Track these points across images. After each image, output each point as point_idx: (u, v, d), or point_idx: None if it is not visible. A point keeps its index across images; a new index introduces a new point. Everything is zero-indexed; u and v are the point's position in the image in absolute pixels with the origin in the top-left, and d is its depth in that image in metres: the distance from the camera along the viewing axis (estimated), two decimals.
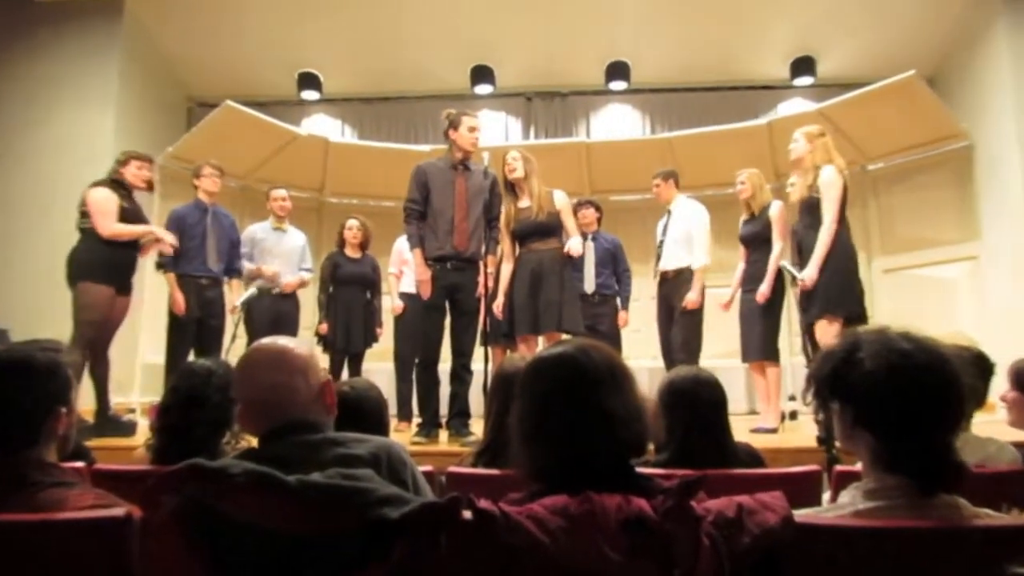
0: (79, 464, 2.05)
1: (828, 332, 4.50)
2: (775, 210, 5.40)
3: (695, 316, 5.58)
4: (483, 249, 4.80)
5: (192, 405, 2.31)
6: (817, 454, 3.20)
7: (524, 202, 5.06)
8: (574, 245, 4.97)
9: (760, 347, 5.31)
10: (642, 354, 7.07)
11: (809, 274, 4.61)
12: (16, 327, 6.30)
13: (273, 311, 5.90)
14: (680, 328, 5.56)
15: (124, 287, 5.12)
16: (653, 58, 8.87)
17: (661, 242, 5.82)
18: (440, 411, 4.87)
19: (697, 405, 2.35)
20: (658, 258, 5.82)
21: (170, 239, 5.24)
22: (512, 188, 5.11)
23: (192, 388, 2.34)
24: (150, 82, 8.34)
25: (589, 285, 6.21)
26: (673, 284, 5.66)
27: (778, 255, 5.24)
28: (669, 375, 2.49)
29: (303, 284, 6.34)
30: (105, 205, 5.00)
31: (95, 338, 4.96)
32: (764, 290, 5.24)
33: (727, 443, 2.41)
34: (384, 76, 9.17)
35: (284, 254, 6.20)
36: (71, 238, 5.08)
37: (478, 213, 4.80)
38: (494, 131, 9.19)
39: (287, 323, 5.99)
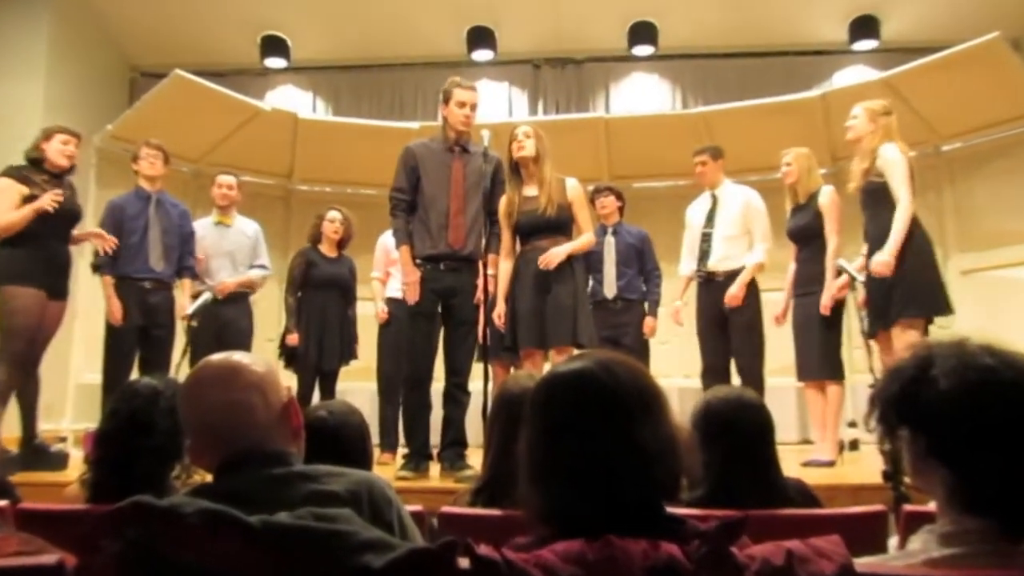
0: (0, 503, 2.05)
1: (904, 339, 4.50)
2: (825, 197, 5.37)
3: (757, 327, 5.57)
4: (483, 246, 4.81)
5: (135, 432, 2.30)
6: (882, 491, 3.19)
7: (531, 190, 4.96)
8: (553, 255, 4.84)
9: (820, 363, 5.28)
10: (672, 370, 7.06)
11: (883, 259, 4.61)
12: None
13: (215, 319, 5.79)
14: (743, 343, 5.54)
15: (57, 290, 5.13)
16: (684, 18, 8.88)
17: (706, 235, 5.79)
18: (431, 440, 4.87)
19: (738, 433, 2.35)
20: (702, 255, 5.78)
21: (49, 200, 5.04)
22: (517, 171, 5.02)
23: (135, 411, 2.34)
24: (86, 49, 8.37)
25: (610, 289, 6.21)
26: (725, 288, 5.60)
27: (834, 252, 5.23)
28: (705, 397, 2.49)
29: (250, 285, 6.28)
30: (1, 194, 4.97)
31: (26, 352, 4.96)
32: (826, 300, 5.20)
33: (774, 478, 2.41)
34: (364, 39, 9.19)
35: (228, 253, 6.18)
36: None
37: (477, 204, 4.81)
38: (495, 105, 9.21)
39: (235, 334, 5.93)
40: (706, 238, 5.78)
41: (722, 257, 5.67)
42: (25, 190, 5.03)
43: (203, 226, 6.18)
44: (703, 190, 5.99)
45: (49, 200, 4.98)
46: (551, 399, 1.47)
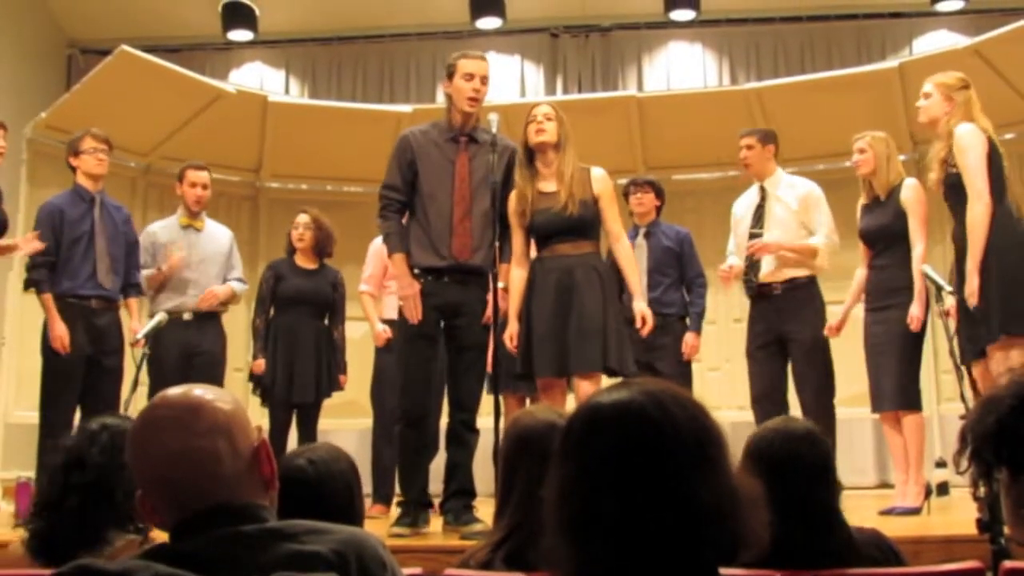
0: None
1: (1005, 363, 4.48)
2: (909, 192, 5.35)
3: (823, 349, 5.56)
4: (494, 255, 4.76)
5: (88, 476, 2.34)
6: (977, 545, 3.17)
7: (548, 184, 4.87)
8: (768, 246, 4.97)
9: (897, 390, 5.26)
10: (723, 401, 7.04)
11: (971, 287, 4.58)
12: None
13: (183, 345, 5.83)
14: (806, 369, 5.53)
15: None
16: None
17: (754, 237, 5.73)
18: (433, 487, 4.87)
19: (788, 474, 2.32)
20: (752, 263, 5.72)
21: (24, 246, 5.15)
22: (532, 159, 4.94)
23: (80, 451, 2.37)
24: (13, 21, 8.43)
25: None
26: (783, 303, 5.60)
27: (921, 258, 5.20)
28: (751, 435, 2.47)
29: (234, 299, 6.35)
30: None
31: None
32: (916, 312, 5.16)
33: (838, 529, 2.39)
34: (345, 6, 9.22)
35: (203, 262, 6.17)
36: None
37: (486, 205, 4.75)
38: (505, 83, 9.21)
39: (207, 362, 5.95)
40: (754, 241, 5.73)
41: (778, 265, 5.64)
42: None
43: (168, 229, 6.17)
44: (752, 182, 5.96)
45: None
46: (590, 439, 1.43)
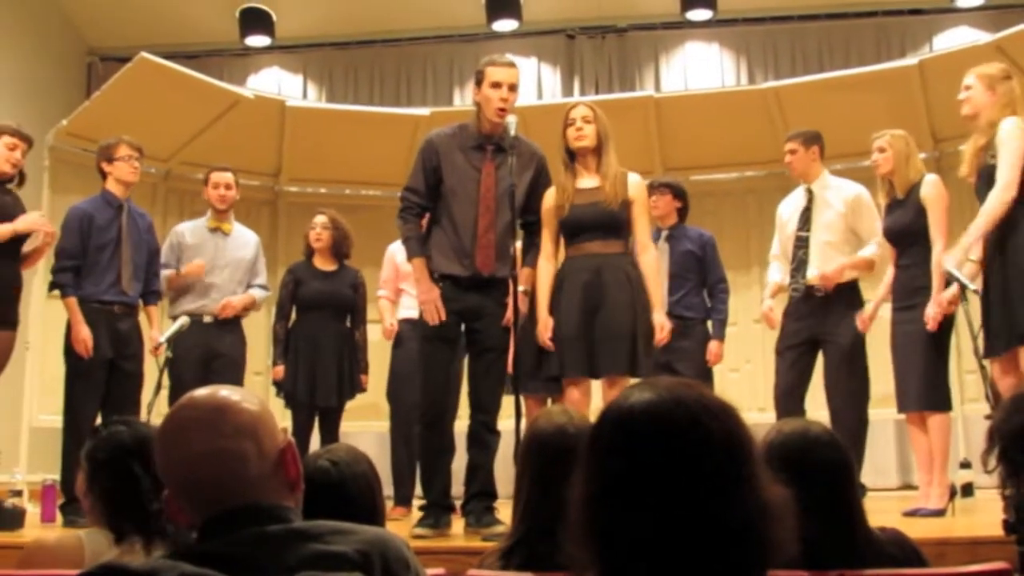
0: None
1: None
2: (930, 189, 5.32)
3: (859, 356, 5.53)
4: (513, 260, 4.75)
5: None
6: (1004, 546, 3.16)
7: (588, 180, 4.88)
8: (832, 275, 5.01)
9: (923, 390, 5.23)
10: (743, 403, 6.99)
11: (959, 259, 4.57)
12: None
13: (204, 347, 5.88)
14: (839, 376, 5.51)
15: (4, 318, 5.19)
16: None
17: (801, 240, 5.72)
18: (455, 489, 4.87)
19: (809, 476, 2.30)
20: (798, 264, 5.70)
21: (36, 222, 5.19)
22: (572, 160, 4.96)
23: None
24: (34, 30, 8.49)
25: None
26: (825, 306, 5.59)
27: (940, 256, 5.17)
28: (767, 434, 2.46)
29: (254, 307, 6.39)
30: None
31: None
32: (932, 311, 5.15)
33: (859, 530, 2.38)
34: (362, 10, 9.26)
35: (229, 266, 6.22)
36: None
37: (509, 215, 4.73)
38: (521, 85, 9.11)
39: (227, 366, 6.00)
40: (801, 243, 5.69)
41: (825, 265, 5.58)
42: None
43: (196, 231, 6.21)
44: (796, 183, 5.93)
45: (42, 237, 5.21)
46: (613, 444, 1.41)
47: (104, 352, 5.46)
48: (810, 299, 5.61)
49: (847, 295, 5.59)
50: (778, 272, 5.89)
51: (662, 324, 4.83)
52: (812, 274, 5.59)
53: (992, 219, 4.62)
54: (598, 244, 4.82)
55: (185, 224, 6.28)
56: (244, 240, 6.38)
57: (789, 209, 5.90)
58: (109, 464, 2.40)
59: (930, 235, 5.24)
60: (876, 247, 5.54)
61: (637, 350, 4.72)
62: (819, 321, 5.57)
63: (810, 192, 5.78)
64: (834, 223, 5.65)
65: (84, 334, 5.39)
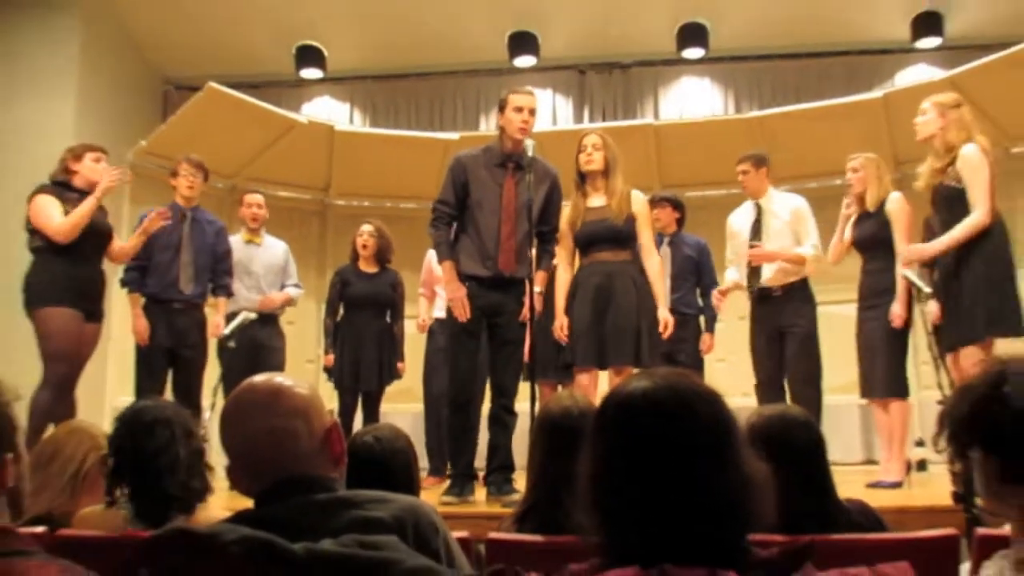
0: (38, 529, 2.10)
1: (980, 357, 4.43)
2: (894, 204, 5.32)
3: (813, 343, 5.56)
4: (530, 264, 4.77)
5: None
6: (954, 514, 3.14)
7: (596, 199, 4.99)
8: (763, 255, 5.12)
9: (886, 380, 5.23)
10: (729, 388, 6.98)
11: (924, 254, 4.56)
12: None
13: (252, 339, 5.91)
14: (797, 361, 5.53)
15: (93, 312, 5.20)
16: (737, 18, 8.84)
17: (753, 247, 5.73)
18: (478, 463, 4.88)
19: (787, 453, 2.30)
20: (753, 270, 5.72)
21: (115, 175, 5.15)
22: (584, 181, 5.05)
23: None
24: (117, 62, 8.52)
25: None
26: (781, 303, 5.61)
27: (903, 262, 5.17)
28: (748, 417, 2.45)
29: (291, 303, 6.45)
30: (49, 208, 5.05)
31: (67, 374, 5.05)
32: (898, 310, 5.14)
33: (831, 500, 2.37)
34: (401, 47, 9.25)
35: (263, 272, 6.31)
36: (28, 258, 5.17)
37: (527, 224, 4.73)
38: (538, 113, 9.13)
39: (270, 354, 6.09)
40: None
41: (776, 271, 5.63)
42: (62, 207, 5.10)
43: (233, 246, 6.23)
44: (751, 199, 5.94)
45: (116, 176, 5.12)
46: (616, 425, 1.43)
47: (163, 342, 5.52)
48: (768, 299, 5.65)
49: (800, 293, 5.61)
50: (735, 273, 5.91)
51: (666, 320, 4.94)
52: (766, 276, 5.63)
53: (965, 238, 4.62)
54: (608, 254, 4.95)
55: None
56: (273, 248, 6.47)
57: (740, 221, 5.94)
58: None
59: (894, 244, 5.25)
60: (811, 248, 5.57)
61: (640, 345, 4.83)
62: (780, 317, 5.60)
63: (759, 207, 5.80)
64: (782, 231, 5.69)
65: (140, 326, 5.49)
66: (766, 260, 5.57)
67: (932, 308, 4.84)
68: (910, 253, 4.75)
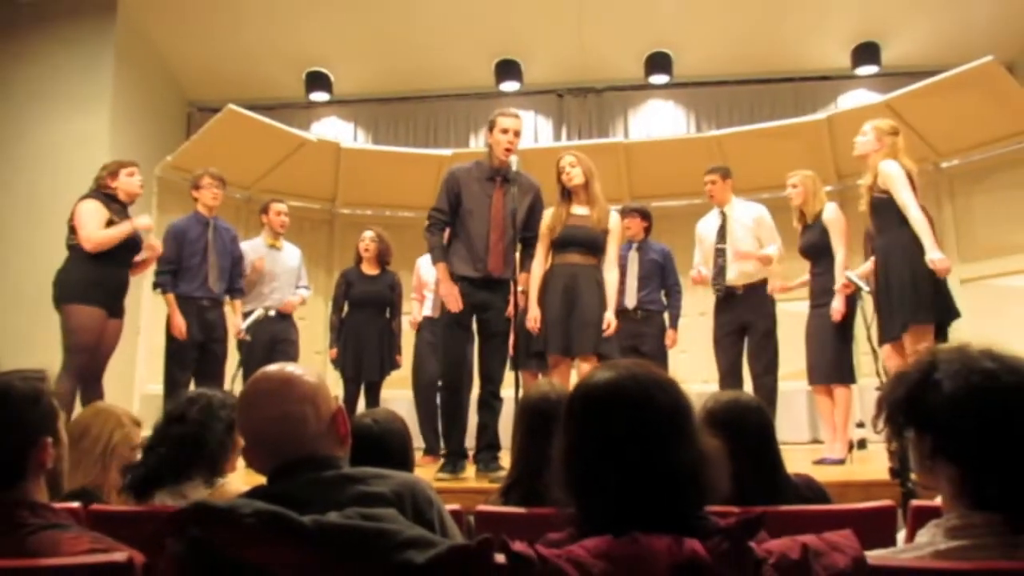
0: (73, 504, 2.08)
1: (917, 344, 4.46)
2: (830, 213, 5.38)
3: (773, 338, 5.60)
4: (515, 266, 4.80)
5: (186, 428, 2.40)
6: (891, 488, 3.16)
7: (580, 209, 5.01)
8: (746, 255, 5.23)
9: (832, 369, 5.26)
10: (691, 376, 7.01)
11: (935, 258, 4.56)
12: (3, 355, 6.39)
13: (271, 334, 5.93)
14: (759, 352, 5.57)
15: (115, 309, 5.19)
16: (697, 48, 8.87)
17: (720, 251, 5.75)
18: (468, 443, 4.87)
19: (740, 434, 2.30)
20: (719, 271, 5.74)
21: (145, 222, 5.22)
22: (568, 195, 5.07)
23: (181, 410, 2.46)
24: (146, 86, 8.48)
25: (631, 299, 6.16)
26: (747, 301, 5.63)
27: (841, 264, 5.21)
28: (705, 402, 2.45)
29: (302, 303, 6.46)
30: (92, 216, 5.07)
31: (87, 365, 5.02)
32: (837, 306, 5.18)
33: (780, 476, 2.37)
34: (400, 73, 9.25)
35: (282, 275, 6.28)
36: (64, 256, 5.16)
37: (512, 231, 4.77)
38: (522, 133, 9.19)
39: (286, 347, 6.06)
40: (720, 254, 5.76)
41: (740, 272, 5.66)
42: (107, 214, 5.13)
43: (255, 248, 6.22)
44: (714, 207, 5.97)
45: (144, 226, 5.20)
46: (584, 412, 1.46)
47: (195, 336, 5.50)
48: (732, 297, 5.69)
49: (761, 292, 5.65)
50: (704, 270, 5.89)
51: (609, 321, 4.96)
52: (731, 276, 5.66)
53: (925, 225, 4.63)
54: (578, 257, 4.97)
55: (246, 244, 6.24)
56: (291, 253, 6.44)
57: (706, 228, 5.97)
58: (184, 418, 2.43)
59: (833, 249, 5.28)
60: (775, 249, 5.62)
61: (600, 336, 4.88)
62: (743, 313, 5.64)
63: (723, 214, 5.83)
64: (744, 236, 5.72)
65: (179, 323, 5.45)
66: (744, 259, 5.59)
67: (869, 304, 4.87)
68: (940, 263, 4.68)
